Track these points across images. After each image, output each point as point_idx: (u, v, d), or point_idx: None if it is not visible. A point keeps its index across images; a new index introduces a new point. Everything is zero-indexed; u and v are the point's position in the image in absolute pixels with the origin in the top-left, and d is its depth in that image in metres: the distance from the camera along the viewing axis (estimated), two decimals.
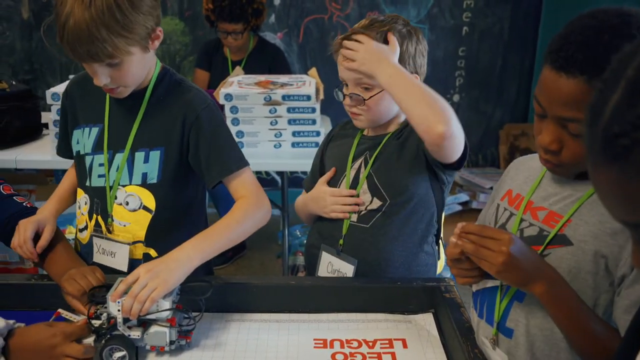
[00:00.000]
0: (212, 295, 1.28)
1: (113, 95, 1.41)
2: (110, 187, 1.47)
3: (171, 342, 1.22)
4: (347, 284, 1.45)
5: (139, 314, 1.19)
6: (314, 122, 2.74)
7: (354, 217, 1.52)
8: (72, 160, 1.59)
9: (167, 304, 1.21)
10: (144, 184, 1.46)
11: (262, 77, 2.91)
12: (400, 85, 1.35)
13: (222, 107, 2.65)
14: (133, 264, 1.43)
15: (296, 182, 4.38)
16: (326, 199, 1.54)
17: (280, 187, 3.30)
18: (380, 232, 1.50)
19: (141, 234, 1.49)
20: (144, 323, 1.23)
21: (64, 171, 3.79)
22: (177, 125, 1.43)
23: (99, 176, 1.48)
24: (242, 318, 1.39)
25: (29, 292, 1.43)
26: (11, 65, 4.14)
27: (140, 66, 1.37)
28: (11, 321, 1.20)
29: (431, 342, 1.30)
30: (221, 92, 2.65)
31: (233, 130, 2.65)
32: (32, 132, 2.85)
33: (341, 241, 1.53)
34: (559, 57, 0.98)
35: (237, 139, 2.64)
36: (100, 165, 1.47)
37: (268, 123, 2.68)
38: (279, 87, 2.73)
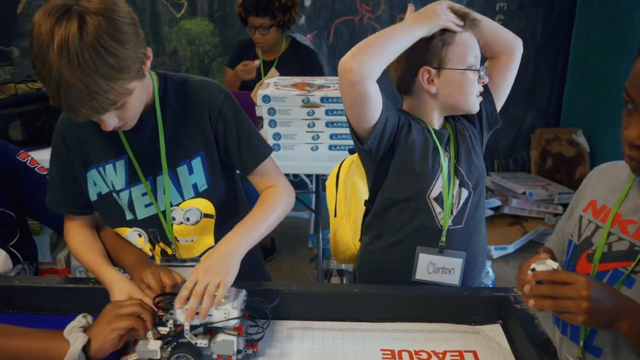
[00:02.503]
0: None
1: (122, 129, 1.30)
2: (163, 212, 1.41)
3: (238, 352, 1.19)
4: (411, 293, 1.41)
5: (208, 313, 1.16)
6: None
7: (450, 222, 1.48)
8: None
9: (235, 312, 1.18)
10: (198, 194, 1.41)
11: (297, 79, 2.88)
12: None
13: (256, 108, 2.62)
14: None
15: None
16: (440, 13, 1.44)
17: (314, 190, 3.26)
18: (473, 228, 1.50)
19: (210, 241, 1.46)
20: (210, 331, 1.19)
21: None
22: (205, 124, 1.38)
23: (146, 206, 1.41)
24: (304, 326, 1.35)
25: (64, 295, 1.40)
26: None
27: (142, 94, 1.28)
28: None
29: (504, 354, 1.26)
30: (259, 93, 2.62)
31: (270, 132, 2.62)
32: None
33: (443, 238, 1.48)
34: None
35: (274, 141, 2.63)
36: (144, 195, 1.40)
37: (305, 125, 2.64)
38: (316, 89, 2.69)
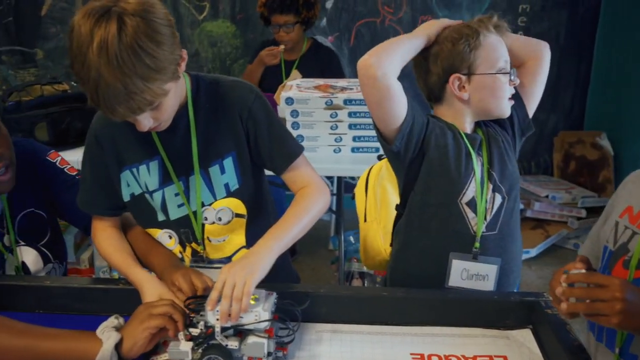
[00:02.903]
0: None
1: (156, 130, 1.31)
2: (195, 212, 1.42)
3: (268, 354, 1.19)
4: (440, 297, 1.40)
5: (239, 315, 1.16)
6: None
7: (483, 227, 1.47)
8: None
9: (266, 315, 1.17)
10: (229, 193, 1.42)
11: (320, 81, 2.88)
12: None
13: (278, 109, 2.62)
14: None
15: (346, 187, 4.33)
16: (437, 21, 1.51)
17: (336, 192, 3.25)
18: (507, 235, 1.50)
19: (241, 240, 1.47)
20: (241, 333, 1.19)
21: None
22: (236, 124, 1.39)
23: (179, 206, 1.42)
24: (333, 329, 1.35)
25: (94, 295, 1.41)
26: (65, 67, 4.17)
27: (177, 95, 1.29)
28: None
29: None
30: (282, 95, 2.62)
31: (293, 134, 2.61)
32: None
33: (477, 244, 1.47)
34: None
35: None
36: (177, 195, 1.41)
37: (328, 127, 2.64)
38: (339, 91, 2.68)
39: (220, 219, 1.43)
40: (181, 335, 1.19)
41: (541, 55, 1.57)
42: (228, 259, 1.46)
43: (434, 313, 1.36)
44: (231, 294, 1.16)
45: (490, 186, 1.48)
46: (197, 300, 1.24)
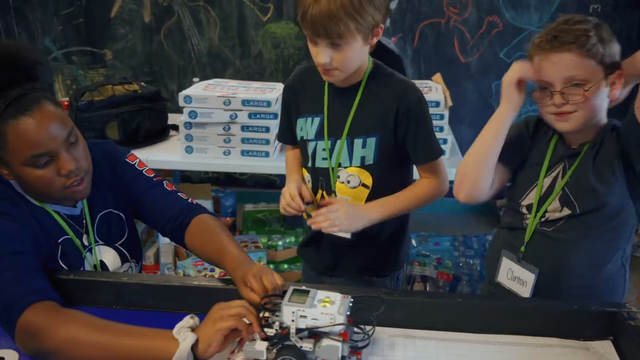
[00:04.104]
0: None
1: (327, 76, 1.57)
2: (333, 169, 1.68)
3: (342, 358, 1.18)
4: (516, 305, 1.37)
5: (314, 322, 1.17)
6: (441, 129, 2.67)
7: (533, 235, 1.50)
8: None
9: (341, 318, 1.17)
10: (362, 165, 1.66)
11: None
12: None
13: None
14: None
15: None
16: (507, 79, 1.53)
17: None
18: (567, 248, 1.48)
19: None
20: (316, 335, 1.19)
21: (182, 171, 3.81)
22: (390, 114, 1.61)
23: (323, 159, 1.69)
24: (406, 334, 1.33)
25: (169, 293, 1.43)
26: (132, 68, 4.27)
27: (357, 55, 1.53)
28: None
29: None
30: None
31: None
32: (160, 133, 2.92)
33: (522, 248, 1.52)
34: None
35: None
36: (324, 150, 1.68)
37: None
38: None
39: (348, 182, 1.69)
40: (256, 334, 1.20)
41: None
42: None
43: (509, 321, 1.33)
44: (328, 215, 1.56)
45: (557, 198, 1.48)
46: (274, 300, 1.25)
